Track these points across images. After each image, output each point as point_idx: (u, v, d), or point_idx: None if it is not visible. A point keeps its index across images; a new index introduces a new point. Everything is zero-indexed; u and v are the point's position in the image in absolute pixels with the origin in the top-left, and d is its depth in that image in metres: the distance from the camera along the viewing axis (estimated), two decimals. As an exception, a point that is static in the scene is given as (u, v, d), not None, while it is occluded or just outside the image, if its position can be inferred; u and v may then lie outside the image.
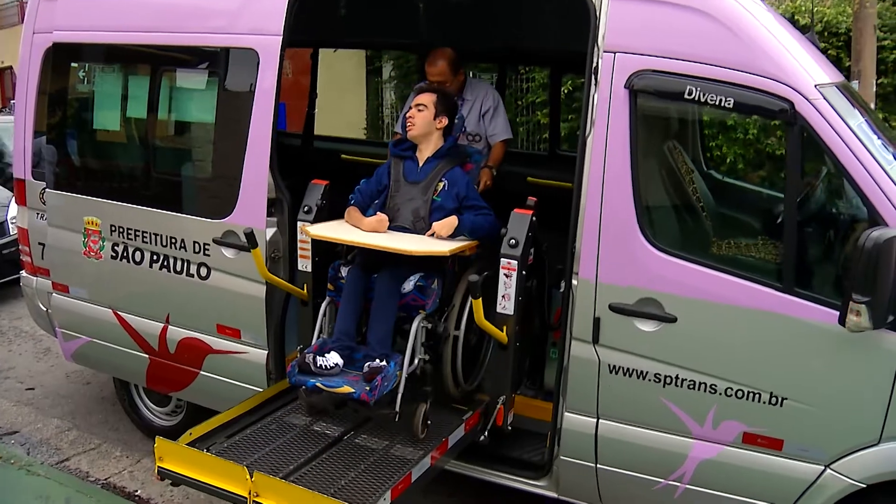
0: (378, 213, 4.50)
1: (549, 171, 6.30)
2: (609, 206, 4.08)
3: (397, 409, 4.07)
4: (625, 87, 4.01)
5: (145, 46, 5.22)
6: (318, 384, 4.06)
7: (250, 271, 4.79)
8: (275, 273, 4.90)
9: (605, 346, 4.20)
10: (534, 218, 4.34)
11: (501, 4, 5.94)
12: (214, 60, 5.04)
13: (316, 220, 4.75)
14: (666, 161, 4.52)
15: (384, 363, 4.02)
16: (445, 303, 4.46)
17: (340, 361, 4.16)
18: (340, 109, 13.75)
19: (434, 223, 4.41)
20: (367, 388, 3.94)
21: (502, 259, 4.27)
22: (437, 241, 4.32)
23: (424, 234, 4.41)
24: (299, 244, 4.83)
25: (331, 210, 4.84)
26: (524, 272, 4.32)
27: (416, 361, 4.21)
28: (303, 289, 4.85)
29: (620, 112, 4.03)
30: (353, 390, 3.96)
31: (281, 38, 4.70)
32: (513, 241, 4.26)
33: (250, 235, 4.45)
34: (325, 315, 4.47)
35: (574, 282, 4.24)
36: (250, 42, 4.81)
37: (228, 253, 4.98)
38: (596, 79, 4.09)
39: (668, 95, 3.98)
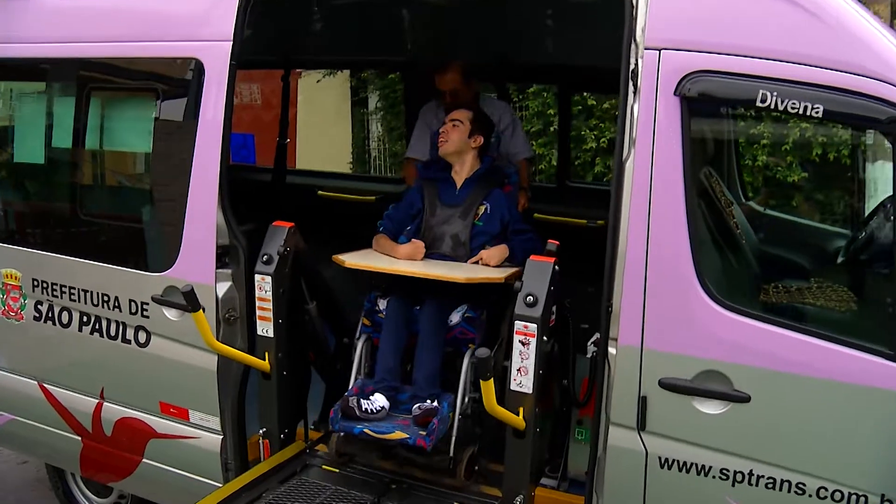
0: (413, 239, 4.04)
1: (558, 206, 5.29)
2: (657, 249, 3.03)
3: (451, 454, 3.62)
4: (675, 94, 2.98)
5: (69, 61, 4.16)
6: (367, 430, 3.61)
7: (198, 337, 3.71)
8: (231, 339, 3.90)
9: (653, 434, 3.15)
10: (556, 267, 3.28)
11: (499, 12, 4.93)
12: (150, 75, 4.00)
13: (279, 270, 3.71)
14: (724, 190, 3.49)
15: (436, 404, 3.61)
16: (491, 335, 3.79)
17: (387, 404, 3.73)
18: (324, 143, 12.79)
19: (482, 251, 3.94)
20: (423, 432, 3.52)
21: (517, 322, 3.21)
22: (484, 268, 3.88)
23: (467, 261, 3.96)
24: (258, 302, 3.77)
25: (295, 257, 3.79)
26: (545, 337, 3.26)
27: (465, 400, 3.72)
28: (263, 358, 3.78)
29: (669, 127, 3.00)
30: (406, 436, 3.54)
31: (231, 43, 3.66)
32: (530, 299, 3.20)
33: (190, 294, 3.40)
34: (361, 353, 3.96)
35: (611, 349, 3.18)
36: (192, 50, 3.77)
37: (171, 314, 3.92)
38: (635, 85, 3.06)
39: (734, 103, 2.96)
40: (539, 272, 3.26)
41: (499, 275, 3.74)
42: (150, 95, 3.98)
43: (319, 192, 6.06)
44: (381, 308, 3.94)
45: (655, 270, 3.04)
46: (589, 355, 3.58)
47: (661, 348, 3.07)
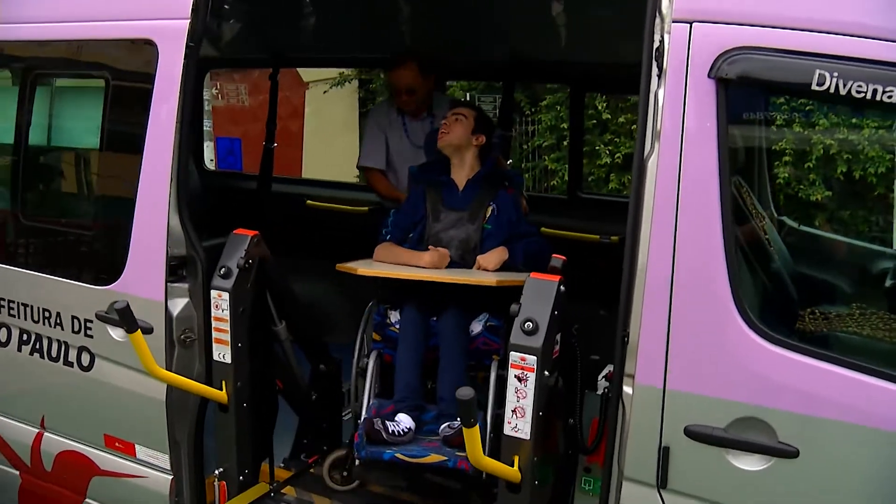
0: (434, 247, 3.67)
1: (568, 220, 4.71)
2: (686, 268, 2.43)
3: (484, 476, 3.12)
4: (710, 76, 2.39)
5: (7, 44, 3.62)
6: (399, 455, 3.23)
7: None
8: (187, 364, 3.34)
9: (677, 493, 2.55)
10: (562, 287, 2.69)
11: (505, 5, 4.38)
12: (98, 60, 3.45)
13: (239, 286, 3.14)
14: (755, 201, 2.90)
15: None
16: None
17: (412, 424, 3.38)
18: (332, 154, 12.27)
19: (479, 256, 3.65)
20: (462, 453, 3.08)
21: (512, 354, 2.62)
22: (513, 273, 3.51)
23: (474, 268, 3.64)
24: (214, 322, 3.21)
25: (260, 271, 3.23)
26: (547, 371, 2.66)
27: (496, 417, 3.30)
28: (220, 387, 3.20)
29: (702, 117, 2.41)
30: (444, 458, 3.19)
31: (189, 22, 3.11)
32: (529, 325, 2.61)
33: (124, 311, 2.85)
34: (373, 372, 3.54)
35: (626, 389, 2.57)
36: (144, 30, 3.22)
37: (116, 334, 3.36)
38: (660, 67, 2.47)
39: (782, 88, 2.37)
40: (540, 293, 2.66)
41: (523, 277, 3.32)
42: (99, 84, 3.43)
43: (308, 201, 5.50)
44: (393, 321, 3.60)
45: (683, 294, 2.44)
46: (600, 392, 3.01)
47: (689, 389, 2.46)
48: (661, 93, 2.48)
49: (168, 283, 3.29)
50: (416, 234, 3.81)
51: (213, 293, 3.18)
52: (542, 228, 4.48)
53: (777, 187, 7.59)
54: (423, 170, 3.97)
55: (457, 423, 3.19)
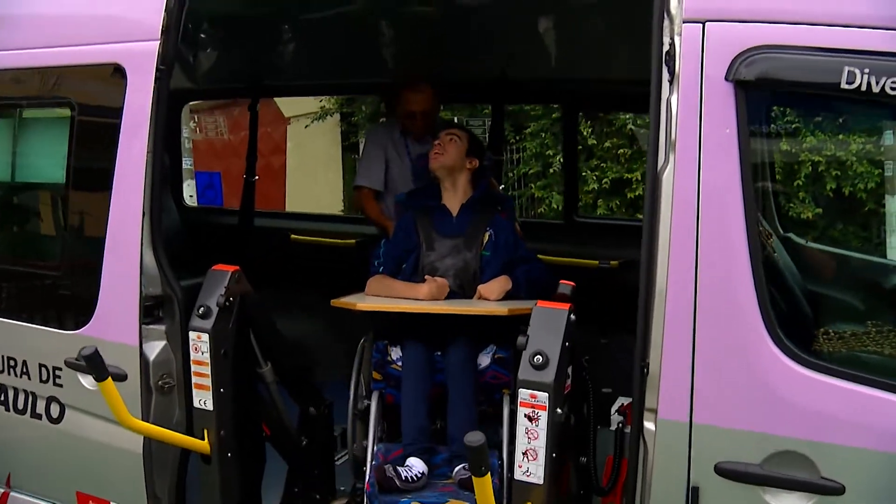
0: (432, 277, 3.48)
1: (564, 245, 4.50)
2: (709, 290, 2.21)
3: None
4: (727, 79, 2.18)
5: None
6: (416, 503, 3.03)
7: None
8: (167, 412, 3.08)
9: (709, 538, 2.27)
10: (572, 316, 2.44)
11: (493, 23, 4.19)
12: (63, 89, 3.21)
13: (219, 326, 2.89)
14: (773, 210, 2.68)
15: None
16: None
17: (425, 468, 3.18)
18: (316, 189, 12.07)
19: (480, 286, 3.44)
20: None
21: (521, 391, 2.37)
22: (522, 301, 3.30)
23: (475, 298, 3.45)
24: (193, 366, 2.94)
25: (241, 309, 2.97)
26: (559, 409, 2.40)
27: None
28: (202, 436, 2.93)
29: (720, 123, 2.20)
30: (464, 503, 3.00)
31: (159, 43, 2.88)
32: (539, 359, 2.36)
33: (92, 358, 2.58)
34: (377, 414, 3.34)
35: (648, 424, 2.33)
36: (112, 54, 2.99)
37: (88, 382, 3.08)
38: (672, 71, 2.26)
39: (808, 88, 2.15)
40: (549, 323, 2.42)
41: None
42: (65, 112, 3.19)
43: (293, 236, 5.25)
44: (395, 358, 3.40)
45: (707, 318, 2.21)
46: (613, 427, 2.76)
47: (719, 423, 2.22)
48: (674, 100, 2.27)
49: (143, 326, 3.04)
50: (409, 264, 3.60)
51: (192, 335, 2.92)
52: (538, 255, 4.27)
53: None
54: (411, 196, 3.77)
55: None
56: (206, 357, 2.91)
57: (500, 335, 3.31)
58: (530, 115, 10.48)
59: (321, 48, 4.77)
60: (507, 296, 3.38)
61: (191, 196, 6.38)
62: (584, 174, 10.33)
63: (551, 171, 10.40)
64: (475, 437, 2.05)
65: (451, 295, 3.43)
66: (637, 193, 10.05)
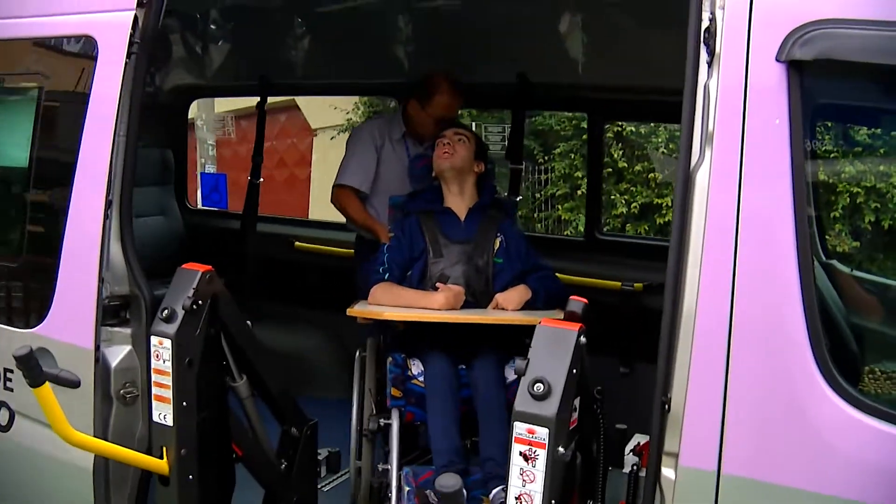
0: (445, 284, 3.29)
1: (585, 265, 4.11)
2: (749, 316, 1.80)
3: None
4: (778, 59, 1.79)
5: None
6: None
7: (78, 420, 2.51)
8: (129, 424, 2.72)
9: None
10: (583, 339, 2.04)
11: (515, 21, 3.84)
12: (32, 62, 2.90)
13: (185, 332, 2.53)
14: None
15: None
16: None
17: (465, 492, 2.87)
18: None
19: (497, 295, 3.27)
20: None
21: (516, 425, 1.96)
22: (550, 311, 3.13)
23: (488, 307, 3.28)
24: (153, 375, 2.57)
25: (213, 314, 2.61)
26: (562, 447, 2.00)
27: None
28: (160, 455, 2.55)
29: (769, 113, 1.80)
30: None
31: (132, 14, 2.55)
32: (540, 387, 1.96)
33: (26, 359, 2.22)
34: (399, 435, 3.12)
35: (667, 472, 1.92)
36: (83, 26, 2.66)
37: (41, 388, 2.70)
38: (711, 51, 1.88)
39: (879, 71, 1.76)
40: (555, 345, 2.02)
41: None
42: (32, 90, 2.87)
43: (297, 243, 4.90)
44: (416, 373, 3.20)
45: (745, 349, 1.80)
46: (627, 470, 2.35)
47: (753, 475, 1.81)
48: (712, 84, 1.88)
49: (106, 328, 2.70)
50: (416, 271, 3.38)
51: (153, 340, 2.54)
52: (556, 274, 3.89)
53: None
54: (413, 199, 3.52)
55: None
56: (168, 366, 2.55)
57: (525, 347, 2.98)
58: (560, 134, 10.15)
59: (333, 46, 4.46)
60: (525, 306, 3.21)
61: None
62: (612, 197, 9.96)
63: (579, 192, 10.03)
64: (449, 482, 1.67)
65: (464, 304, 3.24)
66: (667, 219, 9.65)
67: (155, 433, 2.63)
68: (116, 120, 2.57)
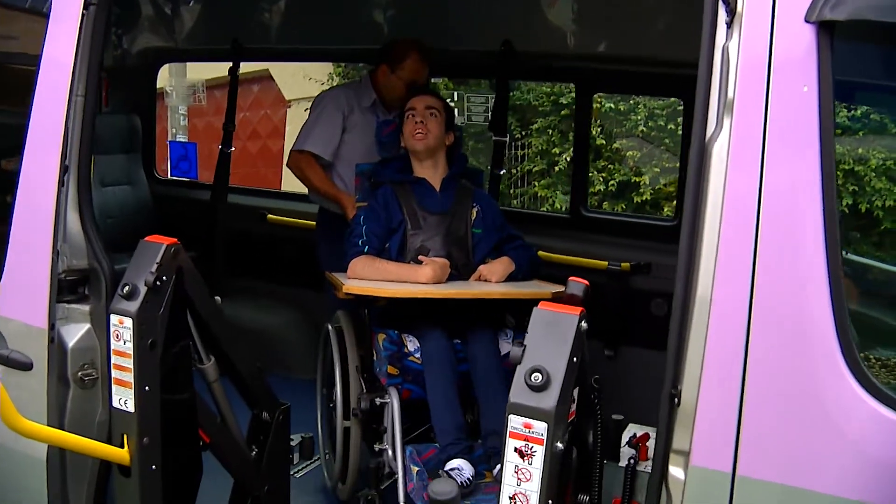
0: (429, 258, 3.20)
1: (570, 243, 3.93)
2: (770, 303, 1.63)
3: None
4: (807, 20, 1.60)
5: None
6: None
7: (27, 408, 2.28)
8: (88, 410, 2.52)
9: None
10: (584, 323, 1.85)
11: None
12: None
13: (147, 310, 2.30)
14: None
15: None
16: None
17: (473, 471, 2.91)
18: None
19: (481, 267, 3.23)
20: None
21: (511, 418, 1.78)
22: (541, 284, 3.24)
23: (470, 279, 3.24)
24: (113, 357, 2.35)
25: (179, 290, 2.39)
26: (560, 442, 1.82)
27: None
28: (120, 444, 2.34)
29: (796, 78, 1.62)
30: None
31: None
32: (538, 378, 1.77)
33: None
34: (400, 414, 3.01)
35: (675, 471, 1.75)
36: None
37: (-11, 370, 2.47)
38: (731, 10, 1.69)
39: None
40: (554, 331, 1.82)
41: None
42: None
43: (269, 216, 4.67)
44: (412, 350, 3.12)
45: (765, 338, 1.63)
46: (623, 463, 2.19)
47: (772, 477, 1.64)
48: (732, 47, 1.69)
49: (63, 305, 2.48)
50: (393, 243, 3.26)
51: (113, 318, 2.32)
52: (539, 252, 3.71)
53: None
54: (383, 168, 3.38)
55: None
56: (129, 347, 2.32)
57: (516, 319, 3.20)
58: (538, 110, 9.94)
59: (310, 10, 4.21)
60: (508, 278, 3.18)
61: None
62: (590, 175, 9.80)
63: (557, 169, 9.86)
64: (445, 488, 1.48)
65: (448, 277, 3.14)
66: (644, 198, 9.51)
67: (115, 420, 2.39)
68: (73, 79, 2.33)
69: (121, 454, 2.37)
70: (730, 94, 1.67)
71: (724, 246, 1.66)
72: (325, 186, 3.72)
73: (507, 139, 4.25)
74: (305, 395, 3.59)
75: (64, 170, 2.38)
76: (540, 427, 1.76)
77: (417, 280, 3.07)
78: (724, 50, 1.70)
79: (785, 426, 1.63)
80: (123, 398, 2.36)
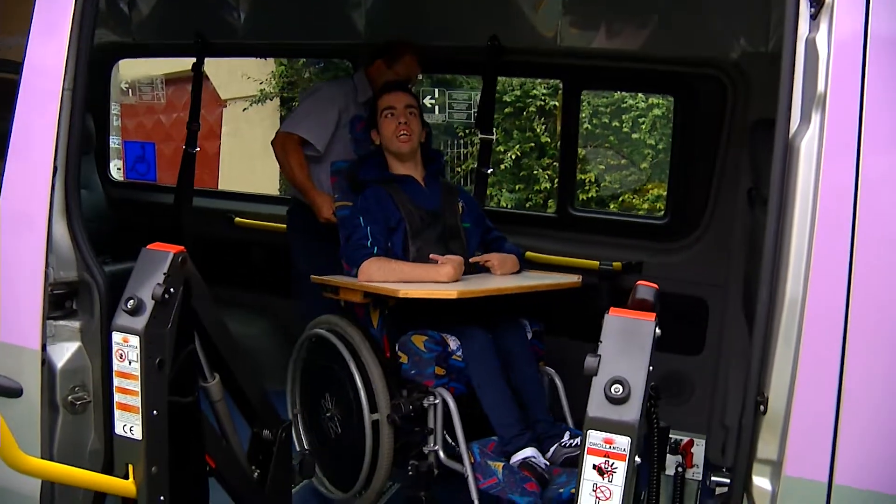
0: (447, 256, 3.13)
1: (557, 243, 3.86)
2: (868, 303, 1.55)
3: None
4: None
5: None
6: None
7: (15, 437, 2.03)
8: (79, 437, 2.29)
9: None
10: (658, 330, 1.74)
11: None
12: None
13: (155, 326, 2.09)
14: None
15: (575, 439, 2.98)
16: None
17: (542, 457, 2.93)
18: (251, 178, 11.17)
19: (490, 255, 3.25)
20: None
21: (591, 434, 1.64)
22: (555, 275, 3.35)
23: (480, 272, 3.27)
24: (117, 380, 2.12)
25: (185, 304, 2.19)
26: (638, 458, 1.70)
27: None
28: (125, 474, 2.12)
29: (890, 74, 1.54)
30: None
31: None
32: (618, 389, 1.64)
33: None
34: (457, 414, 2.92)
35: (759, 482, 1.66)
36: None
37: (-28, 398, 2.21)
38: (816, 2, 1.60)
39: None
40: (631, 339, 1.70)
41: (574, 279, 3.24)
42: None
43: (238, 219, 4.43)
44: (454, 349, 3.06)
45: (863, 340, 1.55)
46: (671, 472, 2.11)
47: (878, 487, 1.56)
48: (820, 39, 1.60)
49: (49, 322, 2.24)
50: (395, 243, 3.19)
51: (116, 336, 2.09)
52: (528, 253, 3.62)
53: None
54: (363, 163, 3.30)
55: (571, 441, 2.97)
56: (136, 368, 2.10)
57: (528, 309, 3.25)
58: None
59: (283, 3, 3.99)
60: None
61: (118, 169, 5.47)
62: (535, 173, 9.77)
63: (502, 167, 9.81)
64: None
65: None
66: (589, 195, 9.55)
67: (118, 448, 2.17)
68: (65, 72, 2.10)
69: (127, 486, 2.14)
70: (819, 88, 1.59)
71: (818, 244, 1.57)
72: (301, 178, 3.55)
73: (494, 137, 4.11)
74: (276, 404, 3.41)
75: (54, 171, 2.15)
76: (622, 442, 1.64)
77: (439, 279, 3.01)
78: (810, 42, 1.62)
79: (885, 432, 1.56)
80: (129, 424, 2.14)
